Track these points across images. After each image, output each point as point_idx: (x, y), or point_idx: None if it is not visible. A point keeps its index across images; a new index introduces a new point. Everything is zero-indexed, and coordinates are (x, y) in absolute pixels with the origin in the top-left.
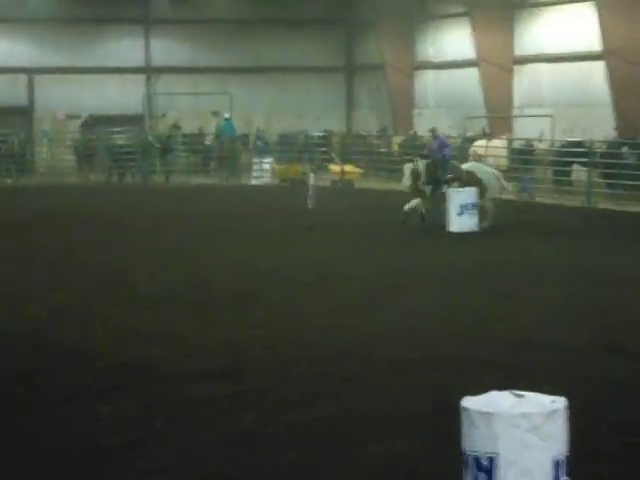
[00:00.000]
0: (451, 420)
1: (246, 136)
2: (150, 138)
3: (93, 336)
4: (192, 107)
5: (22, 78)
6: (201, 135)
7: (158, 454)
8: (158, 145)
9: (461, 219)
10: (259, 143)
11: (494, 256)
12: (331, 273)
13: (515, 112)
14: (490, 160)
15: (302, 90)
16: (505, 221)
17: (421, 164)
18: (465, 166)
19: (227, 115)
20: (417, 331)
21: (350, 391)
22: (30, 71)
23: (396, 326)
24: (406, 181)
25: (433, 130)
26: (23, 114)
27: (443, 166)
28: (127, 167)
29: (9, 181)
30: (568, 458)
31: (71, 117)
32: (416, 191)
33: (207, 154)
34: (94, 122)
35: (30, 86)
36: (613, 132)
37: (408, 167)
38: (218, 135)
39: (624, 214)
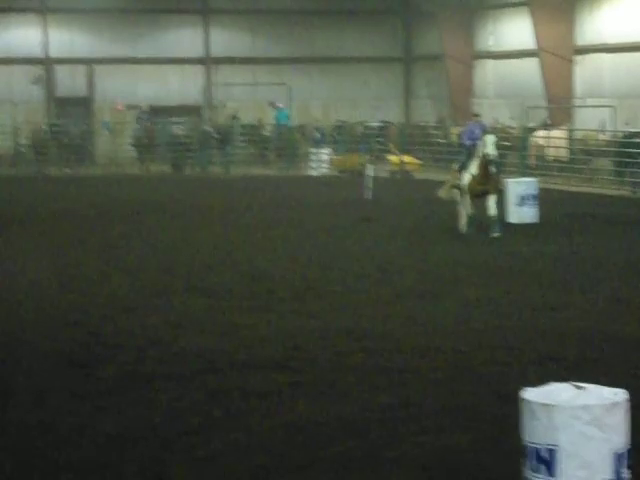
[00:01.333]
0: (510, 412)
1: (304, 127)
2: (209, 129)
3: (150, 325)
4: (250, 98)
5: (82, 69)
6: (259, 126)
7: (216, 443)
8: (217, 136)
9: (521, 210)
10: (316, 134)
11: (553, 248)
12: (388, 265)
13: (576, 102)
14: (551, 151)
15: (359, 81)
16: (567, 212)
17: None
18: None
19: (281, 105)
20: (475, 323)
21: (407, 383)
22: (90, 62)
23: (453, 318)
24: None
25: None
26: (83, 105)
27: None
28: (186, 158)
29: (69, 171)
30: (629, 451)
31: (130, 107)
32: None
33: (265, 145)
34: (153, 113)
35: (90, 77)
36: None
37: (492, 138)
38: (276, 125)
39: None
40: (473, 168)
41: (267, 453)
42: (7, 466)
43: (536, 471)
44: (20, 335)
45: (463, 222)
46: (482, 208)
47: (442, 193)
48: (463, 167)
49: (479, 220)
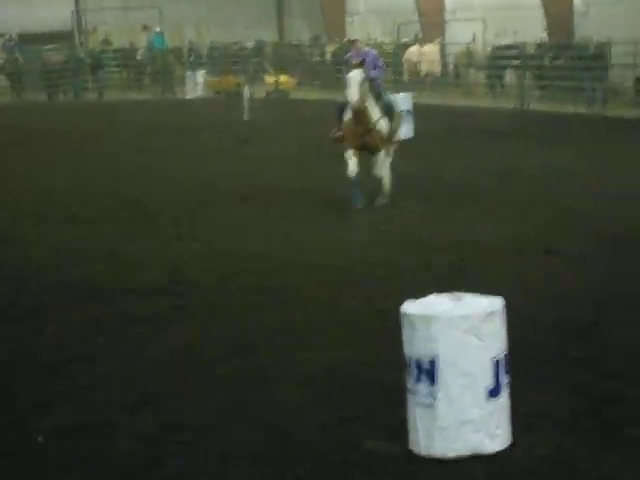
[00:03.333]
0: (391, 325)
1: (179, 50)
2: (81, 55)
3: (30, 255)
4: (122, 22)
5: None
6: (132, 50)
7: (100, 370)
8: (89, 61)
9: None
10: (191, 56)
11: (429, 162)
12: (269, 186)
13: (447, 17)
14: (424, 66)
15: (232, 1)
16: (441, 126)
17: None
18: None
19: (158, 29)
20: (353, 240)
21: (290, 301)
22: None
23: (334, 237)
24: (355, 94)
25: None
26: None
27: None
28: (59, 85)
29: None
30: (506, 356)
31: None
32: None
33: (139, 69)
34: (21, 40)
35: None
36: (544, 35)
37: (356, 75)
38: (149, 49)
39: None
40: (348, 112)
41: (153, 377)
42: None
43: (418, 381)
44: None
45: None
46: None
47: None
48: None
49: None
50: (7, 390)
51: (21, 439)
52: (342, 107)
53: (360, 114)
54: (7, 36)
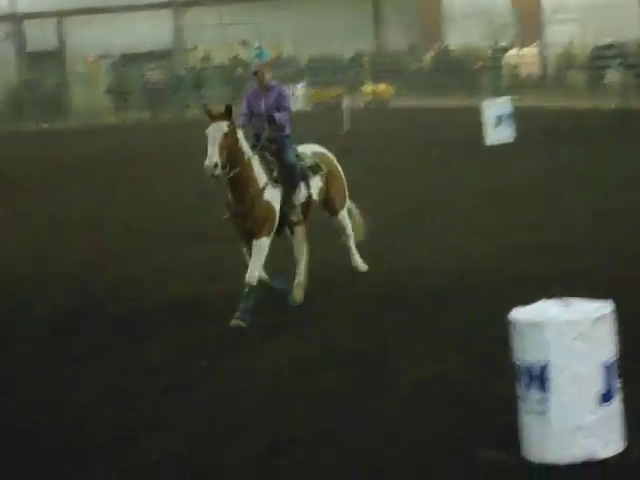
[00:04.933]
0: (501, 332)
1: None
2: (182, 72)
3: (135, 273)
4: (221, 38)
5: (51, 22)
6: (232, 66)
7: (209, 387)
8: (190, 79)
9: (497, 130)
10: (290, 70)
11: (531, 166)
12: (376, 194)
13: (544, 19)
14: (523, 68)
15: (328, 13)
16: (543, 128)
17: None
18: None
19: (257, 44)
20: (461, 247)
21: (397, 311)
22: (59, 14)
23: (440, 242)
24: (214, 156)
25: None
26: (54, 57)
27: (282, 145)
28: (161, 103)
29: (45, 125)
30: (617, 361)
31: (102, 57)
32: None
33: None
34: (125, 61)
35: (60, 29)
36: None
37: (217, 131)
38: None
39: None
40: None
41: (258, 394)
42: None
43: (529, 388)
44: None
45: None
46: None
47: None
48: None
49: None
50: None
51: (135, 457)
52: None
53: (236, 184)
54: (111, 58)
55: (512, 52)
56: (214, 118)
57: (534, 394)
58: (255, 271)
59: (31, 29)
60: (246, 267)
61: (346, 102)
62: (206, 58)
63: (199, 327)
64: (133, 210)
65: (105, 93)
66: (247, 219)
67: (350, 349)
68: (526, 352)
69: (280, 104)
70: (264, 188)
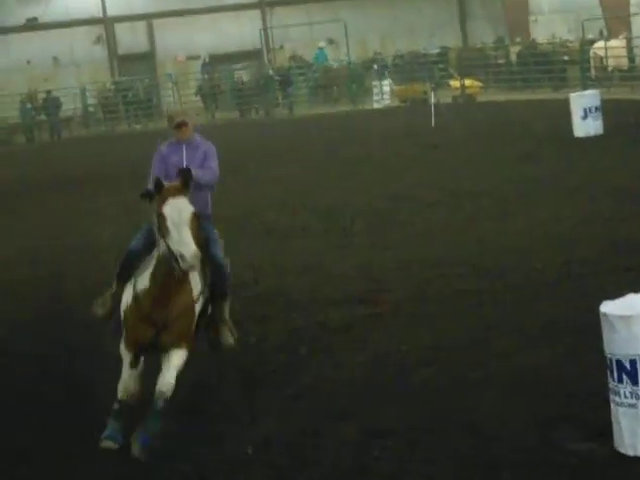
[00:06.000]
0: (590, 325)
1: (372, 61)
2: (270, 72)
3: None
4: (307, 37)
5: (141, 25)
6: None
7: (304, 380)
8: (278, 78)
9: (585, 123)
10: (376, 66)
11: (616, 161)
12: (459, 190)
13: (632, 10)
14: (611, 61)
15: (414, 9)
16: (632, 121)
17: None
18: None
19: (321, 44)
20: (547, 240)
21: (486, 305)
22: (148, 17)
23: (528, 237)
24: (190, 244)
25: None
26: (145, 60)
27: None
28: (250, 103)
29: (138, 127)
30: None
31: (191, 58)
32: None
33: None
34: (213, 61)
35: (150, 31)
36: None
37: (185, 210)
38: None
39: None
40: (145, 276)
41: (354, 386)
42: None
43: (620, 382)
44: None
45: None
46: None
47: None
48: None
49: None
50: (214, 403)
51: (231, 450)
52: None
53: (173, 285)
54: (202, 59)
55: (599, 44)
56: (172, 193)
57: (626, 387)
58: (172, 380)
59: (122, 32)
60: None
61: (433, 97)
62: (294, 57)
63: None
64: None
65: (195, 94)
66: (166, 329)
67: (442, 345)
68: (616, 345)
69: (203, 162)
70: (199, 295)
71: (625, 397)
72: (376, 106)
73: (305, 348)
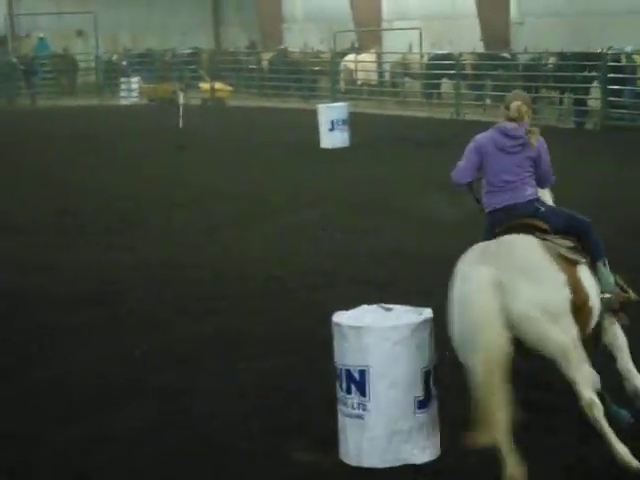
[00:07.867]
0: (325, 335)
1: (122, 56)
2: (13, 60)
3: None
4: (56, 27)
5: None
6: (66, 56)
7: (34, 379)
8: (22, 67)
9: (332, 134)
10: (124, 63)
11: (364, 172)
12: (205, 193)
13: (383, 26)
14: (360, 75)
15: (168, 8)
16: (377, 135)
17: None
18: None
19: (41, 35)
20: (289, 249)
21: (227, 311)
22: None
23: (270, 246)
24: None
25: None
26: None
27: None
28: None
29: None
30: (435, 367)
31: None
32: None
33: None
34: None
35: None
36: (480, 43)
37: None
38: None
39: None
40: None
41: (85, 387)
42: None
43: (349, 392)
44: None
45: None
46: None
47: None
48: None
49: None
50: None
51: None
52: None
53: None
54: None
55: (350, 57)
56: None
57: (353, 398)
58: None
59: None
60: None
61: (182, 98)
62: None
63: None
64: None
65: None
66: None
67: (177, 350)
68: (346, 356)
69: None
70: None
71: (353, 408)
72: (123, 102)
73: (36, 347)
